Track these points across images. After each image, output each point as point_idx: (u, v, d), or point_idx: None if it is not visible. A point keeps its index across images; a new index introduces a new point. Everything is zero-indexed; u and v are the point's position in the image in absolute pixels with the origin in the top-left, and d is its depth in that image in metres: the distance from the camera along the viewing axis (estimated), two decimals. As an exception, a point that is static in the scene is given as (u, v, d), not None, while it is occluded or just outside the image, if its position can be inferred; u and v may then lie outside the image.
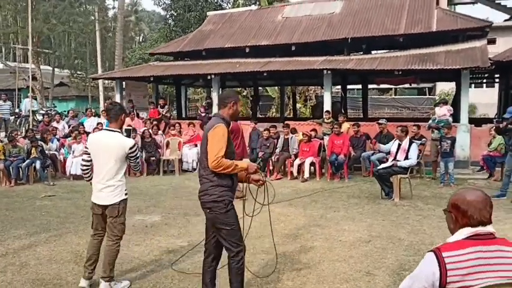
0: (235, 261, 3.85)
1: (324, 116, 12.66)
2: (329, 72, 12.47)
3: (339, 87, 20.03)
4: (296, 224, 6.92)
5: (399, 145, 8.69)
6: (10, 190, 9.89)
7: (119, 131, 4.43)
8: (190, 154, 12.42)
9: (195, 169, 12.33)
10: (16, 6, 27.44)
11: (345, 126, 11.84)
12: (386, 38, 13.63)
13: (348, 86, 19.36)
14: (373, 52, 15.35)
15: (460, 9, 20.13)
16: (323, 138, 11.85)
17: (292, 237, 6.21)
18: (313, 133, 11.65)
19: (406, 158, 8.53)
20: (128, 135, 4.88)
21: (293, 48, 14.16)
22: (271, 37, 14.83)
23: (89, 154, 4.48)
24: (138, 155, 4.56)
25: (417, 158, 9.13)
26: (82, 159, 4.62)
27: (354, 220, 7.08)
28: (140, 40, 57.21)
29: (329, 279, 4.68)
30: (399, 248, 5.67)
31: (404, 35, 13.07)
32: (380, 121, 11.25)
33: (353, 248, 5.65)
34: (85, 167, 4.58)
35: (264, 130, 12.02)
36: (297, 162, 10.98)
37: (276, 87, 23.98)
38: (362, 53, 14.89)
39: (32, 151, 10.66)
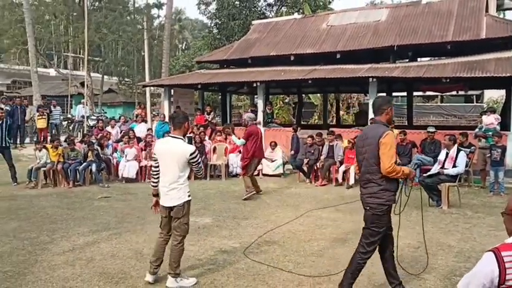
0: (360, 258, 4.36)
1: (369, 124, 12.68)
2: (375, 80, 12.51)
3: (383, 95, 19.92)
4: (344, 229, 7.05)
5: (447, 153, 8.68)
6: (69, 191, 10.45)
7: (182, 138, 4.73)
8: (236, 159, 12.70)
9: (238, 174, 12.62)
10: (68, 17, 28.82)
11: (395, 132, 11.82)
12: (433, 45, 13.53)
13: (393, 94, 19.20)
14: (418, 59, 15.28)
15: (510, 15, 19.67)
16: (368, 145, 11.88)
17: (341, 241, 6.35)
18: (358, 140, 11.69)
19: (454, 166, 8.51)
20: (190, 142, 5.18)
21: (338, 56, 14.28)
22: (316, 45, 15.00)
23: (156, 160, 4.82)
24: (199, 160, 4.85)
25: (466, 167, 9.05)
26: (151, 166, 4.96)
27: (402, 227, 7.12)
28: (183, 48, 58.46)
29: (381, 281, 4.81)
30: (449, 254, 5.72)
31: (452, 42, 12.95)
32: (429, 129, 11.18)
33: (403, 253, 5.73)
34: (155, 173, 4.89)
35: (308, 137, 12.19)
36: (342, 168, 11.08)
37: (319, 95, 24.09)
38: (407, 60, 14.82)
39: (89, 154, 11.22)
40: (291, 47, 15.38)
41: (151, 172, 4.99)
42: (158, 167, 4.80)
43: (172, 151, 4.61)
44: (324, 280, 4.92)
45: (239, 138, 9.86)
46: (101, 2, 28.30)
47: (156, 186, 4.89)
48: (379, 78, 12.49)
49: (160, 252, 4.79)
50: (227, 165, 12.58)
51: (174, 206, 4.65)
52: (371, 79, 12.47)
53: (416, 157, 10.73)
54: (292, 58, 14.99)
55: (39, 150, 11.07)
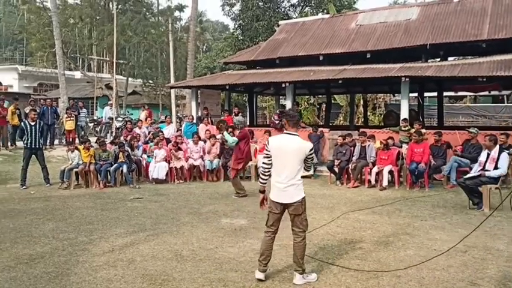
0: None
1: (401, 124, 12.47)
2: (407, 79, 12.25)
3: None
4: (384, 231, 6.87)
5: (488, 154, 8.41)
6: (101, 192, 10.49)
7: (298, 134, 4.79)
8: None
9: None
10: (92, 20, 29.17)
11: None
12: (466, 44, 13.21)
13: (424, 94, 18.86)
14: (450, 58, 14.94)
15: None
16: (401, 146, 11.66)
17: (383, 244, 6.18)
18: (390, 141, 11.48)
19: (495, 167, 8.24)
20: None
21: (368, 55, 14.06)
22: (345, 45, 14.80)
23: (270, 157, 4.80)
24: (313, 156, 4.91)
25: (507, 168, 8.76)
26: (263, 163, 4.91)
27: (445, 230, 6.92)
28: (204, 49, 58.70)
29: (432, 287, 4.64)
30: (500, 259, 5.50)
31: (487, 40, 12.62)
32: (470, 129, 10.87)
33: (450, 257, 5.53)
34: (266, 170, 4.89)
35: (339, 136, 12.04)
36: (375, 170, 10.87)
37: (344, 95, 23.85)
38: (439, 59, 14.51)
39: (120, 156, 11.26)
40: (320, 46, 15.20)
41: (261, 169, 4.98)
42: (270, 164, 4.82)
43: (292, 147, 4.67)
44: (373, 284, 4.74)
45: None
46: (126, 5, 28.54)
47: (265, 183, 4.94)
48: (412, 77, 12.23)
49: (269, 251, 4.84)
50: (256, 166, 12.46)
51: (293, 203, 4.69)
52: (403, 79, 12.22)
53: (453, 159, 10.45)
54: (321, 58, 14.82)
55: (72, 152, 11.15)
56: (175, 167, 11.95)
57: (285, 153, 4.68)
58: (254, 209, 8.57)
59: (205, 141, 12.73)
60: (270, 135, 13.30)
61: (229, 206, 8.82)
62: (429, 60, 13.95)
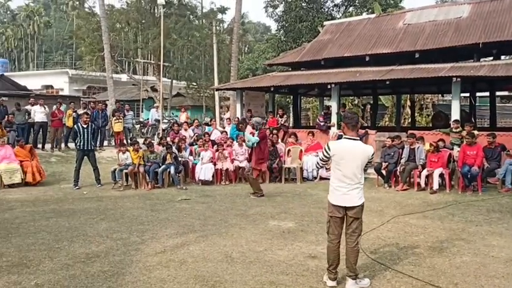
0: None
1: (451, 126, 12.08)
2: (458, 79, 11.86)
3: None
4: (437, 236, 6.67)
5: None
6: (149, 193, 10.72)
7: (359, 138, 4.82)
8: (310, 162, 12.50)
9: (315, 177, 12.41)
10: (138, 24, 29.92)
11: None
12: (522, 42, 12.67)
13: (476, 94, 18.20)
14: (502, 57, 14.35)
15: None
16: (452, 149, 11.30)
17: (437, 250, 5.99)
18: (441, 143, 11.14)
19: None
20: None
21: (417, 55, 13.71)
22: (393, 45, 14.49)
23: (326, 162, 4.90)
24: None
25: None
26: (317, 163, 5.13)
27: (502, 235, 6.65)
28: (246, 51, 59.07)
29: None
30: None
31: (544, 38, 12.06)
32: None
33: (510, 264, 5.30)
34: (319, 167, 5.27)
35: (388, 138, 11.80)
36: (424, 173, 10.58)
37: (390, 96, 23.37)
38: (491, 58, 13.97)
39: (167, 157, 11.46)
40: (366, 47, 14.96)
41: (318, 164, 5.16)
42: (324, 166, 5.02)
43: (356, 152, 4.70)
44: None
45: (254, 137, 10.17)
46: (171, 9, 29.10)
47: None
48: (464, 77, 11.83)
49: (337, 259, 4.81)
50: (301, 168, 12.40)
51: (355, 206, 4.71)
52: (454, 79, 11.84)
53: (508, 161, 10.03)
54: (367, 59, 14.58)
55: (123, 153, 11.44)
56: (221, 169, 12.06)
57: (349, 158, 4.68)
58: (301, 211, 8.55)
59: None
60: (313, 136, 13.27)
61: (276, 208, 8.80)
62: (481, 60, 13.44)
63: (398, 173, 11.09)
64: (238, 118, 15.54)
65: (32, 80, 36.45)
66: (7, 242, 6.39)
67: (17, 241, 6.41)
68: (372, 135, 13.53)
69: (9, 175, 11.12)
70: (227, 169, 12.10)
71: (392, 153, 11.35)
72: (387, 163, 11.24)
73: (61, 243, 6.27)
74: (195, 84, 32.51)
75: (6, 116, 14.96)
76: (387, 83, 13.42)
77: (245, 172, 10.41)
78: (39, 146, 15.72)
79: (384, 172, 11.27)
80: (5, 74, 32.38)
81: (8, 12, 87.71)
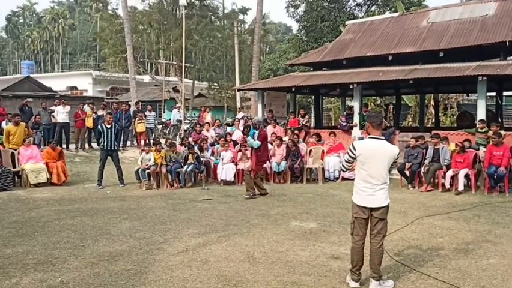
0: None
1: (477, 125, 11.84)
2: (484, 78, 11.62)
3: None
4: (462, 238, 6.54)
5: None
6: (171, 192, 10.79)
7: (383, 138, 4.77)
8: (332, 163, 12.42)
9: (337, 178, 12.32)
10: (160, 26, 30.19)
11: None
12: (551, 39, 12.33)
13: (503, 93, 17.80)
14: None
15: None
16: (478, 149, 11.07)
17: (463, 252, 5.88)
18: (466, 143, 10.93)
19: None
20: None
21: (441, 54, 13.47)
22: (416, 43, 14.27)
23: (352, 163, 4.82)
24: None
25: None
26: (343, 165, 5.06)
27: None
28: (267, 51, 59.09)
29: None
30: None
31: None
32: None
33: None
34: (345, 169, 5.12)
35: (411, 138, 11.64)
36: (449, 173, 10.39)
37: (413, 95, 23.06)
38: (518, 56, 13.64)
39: (189, 157, 11.53)
40: (389, 46, 14.77)
41: (342, 168, 5.19)
42: (350, 167, 4.92)
43: (383, 152, 4.66)
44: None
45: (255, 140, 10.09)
46: (193, 10, 29.28)
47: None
48: (490, 76, 11.58)
49: (361, 260, 4.76)
50: (323, 169, 12.32)
51: (381, 207, 4.67)
52: (480, 78, 11.61)
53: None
54: (390, 58, 14.39)
55: (147, 153, 11.55)
56: (243, 169, 12.06)
57: (375, 158, 4.64)
58: (323, 212, 8.49)
59: (271, 143, 12.75)
60: (334, 137, 13.17)
61: (298, 209, 8.76)
62: (508, 58, 13.12)
63: (422, 174, 10.93)
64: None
65: (57, 82, 37.10)
66: (33, 240, 6.51)
67: (43, 239, 6.53)
68: (395, 135, 13.36)
69: (35, 174, 11.34)
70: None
71: (416, 154, 11.19)
72: (410, 163, 11.09)
73: (85, 242, 6.37)
74: (216, 84, 32.64)
75: (33, 117, 15.26)
76: (411, 82, 13.24)
77: (245, 172, 10.36)
78: (63, 146, 15.96)
79: (407, 173, 11.12)
80: (31, 75, 33.17)
81: (34, 15, 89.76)
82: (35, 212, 8.46)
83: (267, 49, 61.06)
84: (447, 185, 10.39)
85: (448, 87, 18.50)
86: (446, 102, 24.70)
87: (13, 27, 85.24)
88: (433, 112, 22.62)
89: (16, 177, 11.71)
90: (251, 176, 10.04)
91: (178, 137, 18.17)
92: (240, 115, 20.95)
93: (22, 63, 53.46)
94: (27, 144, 11.85)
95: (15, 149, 11.92)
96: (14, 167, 11.67)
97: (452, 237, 6.64)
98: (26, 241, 6.44)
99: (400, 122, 24.77)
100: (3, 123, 14.18)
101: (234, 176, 11.97)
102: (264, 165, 10.71)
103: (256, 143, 9.97)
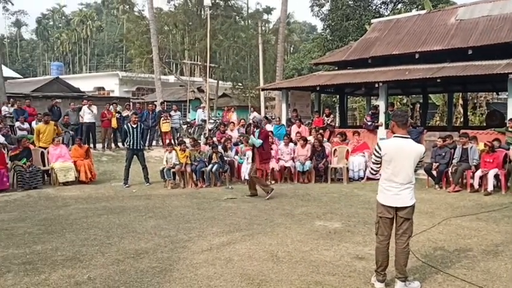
0: None
1: (507, 124, 11.56)
2: (516, 76, 11.34)
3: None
4: (491, 240, 6.39)
5: None
6: (196, 191, 10.87)
7: (409, 137, 4.71)
8: (357, 162, 12.30)
9: (362, 178, 12.20)
10: (185, 26, 30.46)
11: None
12: None
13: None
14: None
15: None
16: (508, 149, 10.80)
17: (492, 253, 5.75)
18: (496, 143, 10.67)
19: None
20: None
21: (470, 52, 13.19)
22: (444, 41, 14.02)
23: (379, 163, 4.73)
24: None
25: None
26: (372, 168, 4.97)
27: None
28: (291, 51, 58.98)
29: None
30: None
31: None
32: None
33: None
34: (375, 172, 4.98)
35: (439, 138, 11.44)
36: (478, 173, 10.17)
37: (441, 94, 22.65)
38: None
39: (213, 156, 11.59)
40: (416, 44, 14.54)
41: (370, 171, 5.02)
42: (378, 169, 4.81)
43: (409, 151, 4.59)
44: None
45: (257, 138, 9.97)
46: (218, 10, 29.43)
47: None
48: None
49: (386, 260, 4.71)
50: (347, 169, 12.21)
51: (407, 207, 4.61)
52: (510, 76, 11.33)
53: None
54: (416, 56, 14.16)
55: (169, 152, 11.67)
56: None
57: (401, 157, 4.57)
58: (348, 211, 8.42)
59: (295, 143, 12.72)
60: (359, 136, 13.04)
61: (322, 208, 8.71)
62: (540, 55, 12.77)
63: (449, 174, 10.72)
64: (279, 118, 15.52)
65: (85, 82, 37.79)
66: (62, 237, 6.65)
67: (71, 236, 6.66)
68: (423, 134, 13.14)
69: (63, 173, 11.58)
70: (272, 169, 12.09)
71: (443, 154, 10.98)
72: (438, 163, 10.89)
73: (112, 239, 6.47)
74: (240, 84, 32.72)
75: (62, 117, 15.58)
76: (438, 81, 13.00)
77: (249, 173, 10.31)
78: (90, 145, 16.23)
79: (434, 173, 10.93)
80: (60, 76, 33.93)
81: (63, 17, 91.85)
82: (63, 210, 8.64)
83: (292, 49, 60.94)
84: (476, 186, 10.17)
85: (476, 85, 18.12)
86: (475, 101, 24.18)
87: (43, 30, 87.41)
88: (461, 111, 22.19)
89: (46, 175, 12.00)
90: (257, 176, 10.07)
91: (202, 136, 18.28)
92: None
93: (51, 65, 54.68)
94: (56, 143, 12.11)
95: (45, 148, 12.22)
96: (44, 165, 11.96)
97: (480, 238, 6.49)
98: (55, 238, 6.58)
99: (427, 122, 24.38)
100: (34, 123, 14.53)
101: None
102: (269, 165, 10.68)
103: (258, 142, 9.93)
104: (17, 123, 14.57)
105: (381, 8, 28.66)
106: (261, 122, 10.43)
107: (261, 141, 9.92)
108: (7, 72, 33.51)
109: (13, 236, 6.73)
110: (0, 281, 4.89)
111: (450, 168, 10.68)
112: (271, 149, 11.53)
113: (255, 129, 10.18)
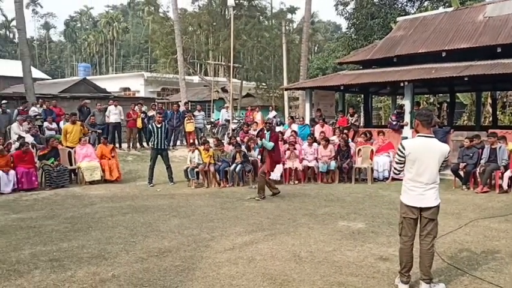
0: None
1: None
2: (546, 74, 11.01)
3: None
4: (521, 242, 6.23)
5: None
6: (219, 191, 10.92)
7: (434, 136, 4.67)
8: (381, 163, 12.15)
9: (386, 178, 12.04)
10: (209, 27, 30.62)
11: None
12: None
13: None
14: None
15: None
16: (539, 149, 10.50)
17: (521, 256, 5.59)
18: (526, 143, 10.39)
19: None
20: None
21: (498, 49, 12.86)
22: (472, 39, 13.70)
23: (403, 163, 4.67)
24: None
25: None
26: (395, 168, 4.91)
27: None
28: (315, 50, 58.65)
29: None
30: None
31: None
32: None
33: None
34: (398, 171, 4.94)
35: (466, 138, 11.20)
36: (507, 174, 9.91)
37: (469, 93, 22.18)
38: None
39: (237, 156, 11.62)
40: (442, 42, 14.25)
41: (394, 171, 5.09)
42: (402, 169, 4.74)
43: (433, 150, 4.54)
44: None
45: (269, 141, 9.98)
46: (241, 10, 29.51)
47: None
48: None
49: (410, 261, 4.66)
50: (372, 169, 12.07)
51: (431, 207, 4.56)
52: (541, 74, 11.01)
53: None
54: (443, 54, 13.86)
55: (192, 152, 11.75)
56: (290, 168, 12.03)
57: (425, 156, 4.50)
58: (372, 212, 8.32)
59: (319, 143, 12.64)
60: (384, 136, 12.86)
61: (346, 209, 8.64)
62: None
63: (477, 174, 10.48)
64: (303, 118, 15.42)
65: (111, 83, 38.39)
66: (87, 235, 6.78)
67: (97, 234, 6.78)
68: (450, 134, 12.89)
69: (90, 172, 11.79)
70: (296, 168, 12.05)
71: (471, 154, 10.74)
72: (465, 163, 10.66)
73: (136, 238, 6.56)
74: (264, 84, 32.72)
75: (88, 118, 15.86)
76: (466, 79, 12.70)
77: (260, 174, 10.26)
78: (116, 145, 16.47)
79: (461, 173, 10.70)
80: (87, 77, 34.57)
81: (90, 19, 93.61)
82: (89, 208, 8.81)
83: (316, 48, 60.59)
84: (505, 186, 9.91)
85: (506, 84, 17.63)
86: (505, 100, 23.57)
87: (71, 32, 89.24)
88: (490, 110, 21.67)
89: (72, 174, 12.25)
90: (265, 178, 10.02)
91: (226, 136, 18.35)
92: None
93: (79, 66, 55.79)
94: (83, 143, 12.34)
95: (72, 148, 12.46)
96: (71, 165, 12.21)
97: (509, 240, 6.34)
98: (81, 236, 6.71)
99: (455, 121, 23.91)
100: (61, 123, 14.83)
101: (281, 175, 11.92)
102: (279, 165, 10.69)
103: (270, 144, 9.92)
104: (46, 123, 14.92)
105: (407, 6, 28.21)
106: (273, 124, 10.47)
107: (272, 143, 9.94)
108: (36, 73, 34.37)
109: (41, 233, 6.89)
110: (27, 277, 5.01)
111: (478, 169, 10.44)
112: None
113: (265, 132, 10.17)
